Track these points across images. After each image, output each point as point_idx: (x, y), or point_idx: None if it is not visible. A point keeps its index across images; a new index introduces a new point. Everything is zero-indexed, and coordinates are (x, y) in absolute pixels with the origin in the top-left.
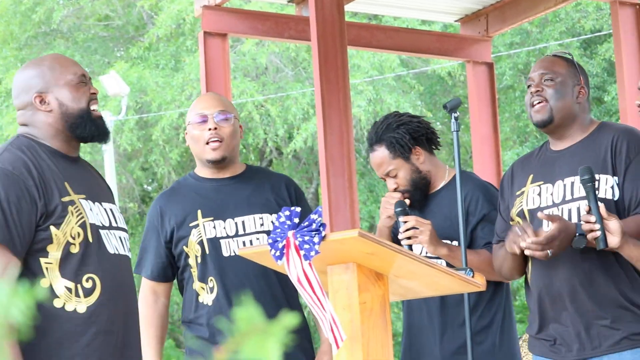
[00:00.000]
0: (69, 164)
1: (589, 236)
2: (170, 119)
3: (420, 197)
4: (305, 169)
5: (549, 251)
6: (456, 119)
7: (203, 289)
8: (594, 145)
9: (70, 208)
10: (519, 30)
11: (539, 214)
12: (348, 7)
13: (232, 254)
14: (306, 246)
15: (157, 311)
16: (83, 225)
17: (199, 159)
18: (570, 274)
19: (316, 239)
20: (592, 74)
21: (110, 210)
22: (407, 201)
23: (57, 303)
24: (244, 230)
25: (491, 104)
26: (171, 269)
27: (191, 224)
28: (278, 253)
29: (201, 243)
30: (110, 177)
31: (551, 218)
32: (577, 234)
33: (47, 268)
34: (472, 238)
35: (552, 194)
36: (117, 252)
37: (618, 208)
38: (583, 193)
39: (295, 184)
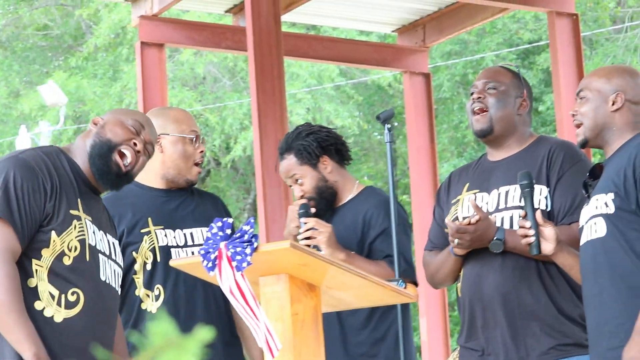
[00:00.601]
0: (88, 190)
1: (523, 241)
2: None
3: (325, 206)
4: (243, 179)
5: (455, 240)
6: (389, 129)
7: (148, 296)
8: (530, 157)
9: (75, 222)
10: (456, 41)
11: (470, 200)
12: (286, 18)
13: None
14: (238, 257)
15: None
16: (82, 242)
17: (174, 174)
18: (500, 282)
19: (248, 250)
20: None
21: (112, 243)
22: (313, 210)
23: (38, 305)
24: (193, 241)
25: (428, 114)
26: None
27: (142, 231)
28: (210, 264)
29: (153, 250)
30: None
31: (477, 209)
32: (495, 238)
33: (36, 270)
34: (370, 250)
35: (487, 203)
36: (108, 282)
37: (550, 218)
38: (517, 202)
39: (223, 203)
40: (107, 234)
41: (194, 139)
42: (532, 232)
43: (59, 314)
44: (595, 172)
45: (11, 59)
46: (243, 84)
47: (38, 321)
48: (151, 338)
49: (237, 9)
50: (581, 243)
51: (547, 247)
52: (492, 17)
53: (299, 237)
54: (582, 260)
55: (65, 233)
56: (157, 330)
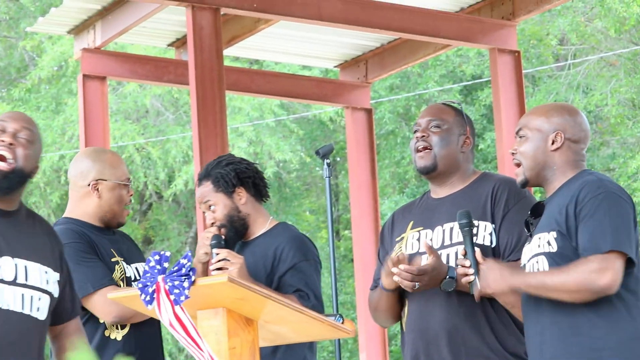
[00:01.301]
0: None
1: (463, 280)
2: (51, 161)
3: (234, 235)
4: (185, 212)
5: (417, 284)
6: (328, 164)
7: (113, 325)
8: (474, 194)
9: None
10: (399, 74)
11: (424, 242)
12: (228, 52)
13: None
14: (176, 291)
15: None
16: None
17: (109, 217)
18: (445, 318)
19: (186, 284)
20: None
21: (25, 267)
22: (223, 236)
23: None
24: (139, 274)
25: (369, 150)
26: None
27: (112, 260)
28: (148, 298)
29: (124, 280)
30: None
31: (431, 251)
32: (448, 277)
33: None
34: (279, 283)
35: (431, 240)
36: (8, 308)
37: (495, 255)
38: (461, 238)
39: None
40: (20, 259)
41: (128, 185)
42: (471, 270)
43: None
44: (537, 210)
45: None
46: (186, 117)
47: None
48: None
49: (179, 43)
50: None
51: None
52: (434, 53)
53: (211, 267)
54: (523, 298)
55: None
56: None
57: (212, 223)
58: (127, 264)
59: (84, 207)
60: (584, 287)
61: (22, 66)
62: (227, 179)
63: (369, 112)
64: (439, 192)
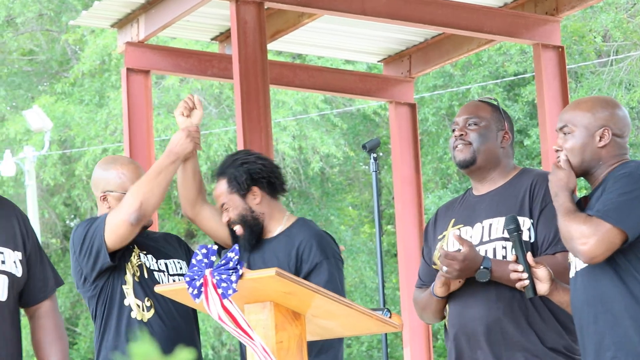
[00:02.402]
0: None
1: (518, 285)
2: (94, 154)
3: (249, 234)
4: None
5: (444, 267)
6: (375, 159)
7: (139, 306)
8: (513, 190)
9: None
10: (441, 74)
11: (453, 234)
12: (272, 46)
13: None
14: (223, 284)
15: None
16: None
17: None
18: (485, 313)
19: (233, 277)
20: (514, 117)
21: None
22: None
23: None
24: (167, 270)
25: (413, 145)
26: None
27: (130, 246)
28: (196, 291)
29: (140, 267)
30: (33, 212)
31: (462, 241)
32: (482, 267)
33: None
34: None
35: (471, 236)
36: None
37: (533, 250)
38: (501, 234)
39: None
40: None
41: None
42: (525, 275)
43: None
44: (581, 205)
45: None
46: (229, 111)
47: None
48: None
49: (223, 37)
50: (571, 275)
51: (542, 288)
52: (477, 49)
53: None
54: (572, 290)
55: None
56: (138, 351)
57: (227, 221)
58: (153, 255)
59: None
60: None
61: (64, 60)
62: (240, 180)
63: (412, 107)
64: (479, 188)
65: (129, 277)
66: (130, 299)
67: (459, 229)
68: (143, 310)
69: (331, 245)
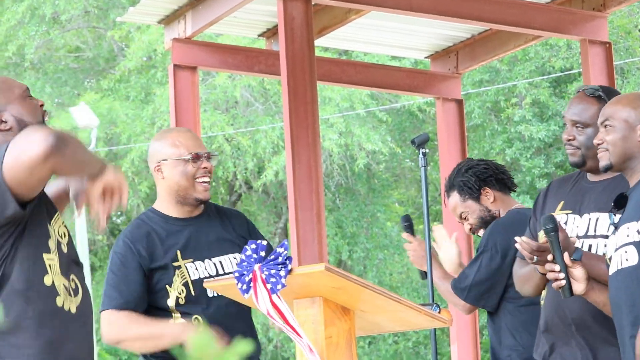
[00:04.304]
0: None
1: (554, 285)
2: (140, 151)
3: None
4: (274, 203)
5: (535, 257)
6: (424, 154)
7: (177, 311)
8: (625, 181)
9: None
10: (488, 70)
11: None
12: (318, 42)
13: (216, 294)
14: (272, 279)
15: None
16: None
17: (182, 195)
18: (580, 304)
19: (282, 272)
20: (561, 113)
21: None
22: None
23: (59, 301)
24: (223, 270)
25: (460, 140)
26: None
27: (174, 264)
28: (245, 286)
29: (186, 284)
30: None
31: (560, 229)
32: (572, 258)
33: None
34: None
35: (577, 226)
36: None
37: None
38: (605, 232)
39: (247, 218)
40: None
41: (193, 159)
42: (562, 275)
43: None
44: (620, 202)
45: (43, 80)
46: (275, 107)
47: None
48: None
49: (270, 33)
50: (610, 272)
51: (578, 288)
52: (524, 45)
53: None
54: (612, 290)
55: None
56: (198, 342)
57: (470, 229)
58: (200, 260)
59: (160, 193)
60: None
61: (110, 56)
62: (470, 184)
63: (459, 103)
64: (593, 175)
65: (170, 301)
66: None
67: (567, 214)
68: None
69: (493, 236)
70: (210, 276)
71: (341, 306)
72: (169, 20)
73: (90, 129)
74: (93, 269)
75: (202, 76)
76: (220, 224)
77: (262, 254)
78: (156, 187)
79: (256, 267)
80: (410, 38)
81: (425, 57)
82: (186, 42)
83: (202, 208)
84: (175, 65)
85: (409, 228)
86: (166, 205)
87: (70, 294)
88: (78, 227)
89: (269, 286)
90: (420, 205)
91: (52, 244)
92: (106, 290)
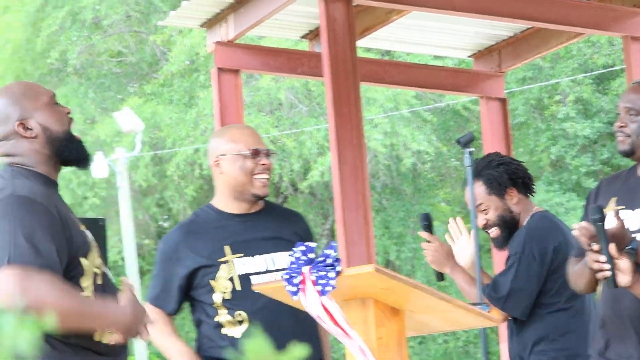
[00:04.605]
0: (55, 189)
1: (599, 276)
2: (185, 155)
3: (507, 235)
4: (321, 205)
5: (594, 245)
6: (470, 153)
7: (230, 322)
8: None
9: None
10: (531, 66)
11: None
12: (361, 43)
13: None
14: (322, 281)
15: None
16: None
17: (240, 190)
18: (636, 301)
19: (332, 274)
20: (605, 109)
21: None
22: (494, 233)
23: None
24: (274, 266)
25: (505, 139)
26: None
27: (219, 260)
28: (294, 289)
29: (231, 279)
30: (126, 214)
31: (617, 216)
32: (629, 247)
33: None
34: None
35: (631, 221)
36: None
37: None
38: None
39: (305, 219)
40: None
41: (252, 154)
42: (607, 266)
43: None
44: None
45: (86, 85)
46: (319, 109)
47: None
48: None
49: (312, 35)
50: None
51: (623, 280)
52: (567, 42)
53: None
54: None
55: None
56: (252, 347)
57: (485, 224)
58: (250, 255)
59: (218, 189)
60: None
61: (153, 61)
62: (500, 180)
63: (503, 101)
64: None
65: (216, 296)
66: (221, 318)
67: (619, 210)
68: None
69: (529, 242)
70: (259, 272)
71: (390, 307)
72: (211, 23)
73: (135, 134)
74: (141, 272)
75: (245, 79)
76: (277, 222)
77: (311, 255)
78: (214, 183)
79: (305, 269)
80: (453, 37)
81: (468, 57)
82: (229, 45)
83: (260, 205)
84: (218, 69)
85: (428, 227)
86: (224, 201)
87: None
88: (125, 232)
89: (318, 288)
90: (466, 205)
91: (87, 280)
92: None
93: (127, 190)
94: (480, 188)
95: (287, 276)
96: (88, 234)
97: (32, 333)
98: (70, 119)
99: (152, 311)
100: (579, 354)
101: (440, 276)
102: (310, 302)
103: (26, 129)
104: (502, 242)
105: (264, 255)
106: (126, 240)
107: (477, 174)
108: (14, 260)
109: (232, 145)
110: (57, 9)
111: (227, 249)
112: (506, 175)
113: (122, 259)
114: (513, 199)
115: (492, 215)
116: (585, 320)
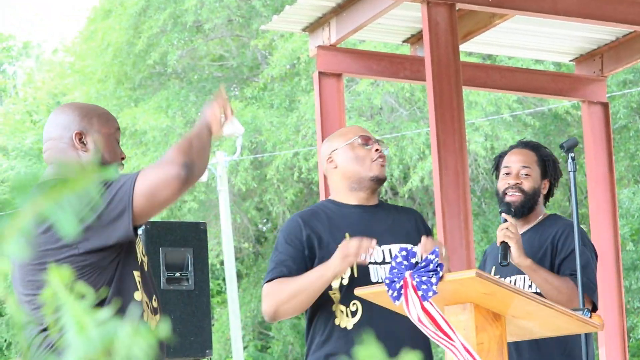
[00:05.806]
0: None
1: None
2: (285, 159)
3: (522, 207)
4: (420, 209)
5: None
6: (573, 158)
7: (343, 312)
8: None
9: None
10: (632, 69)
11: None
12: (463, 47)
13: (380, 280)
14: (424, 286)
15: None
16: None
17: (357, 179)
18: None
19: (434, 280)
20: None
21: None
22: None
23: (144, 316)
24: (391, 257)
25: (606, 144)
26: None
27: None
28: (395, 293)
29: (350, 267)
30: (225, 217)
31: None
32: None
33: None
34: (558, 270)
35: None
36: None
37: None
38: None
39: (421, 215)
40: None
41: (364, 143)
42: None
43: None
44: None
45: (187, 89)
46: (420, 113)
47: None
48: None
49: (414, 39)
50: None
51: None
52: None
53: (498, 231)
54: None
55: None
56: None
57: (516, 184)
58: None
59: (334, 184)
60: None
61: (254, 65)
62: (554, 166)
63: (605, 106)
64: None
65: (334, 283)
66: (335, 306)
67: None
68: (347, 315)
69: (584, 238)
70: (376, 262)
71: (492, 312)
72: (313, 27)
73: (235, 137)
74: (239, 276)
75: (344, 83)
76: (394, 215)
77: (413, 260)
78: (329, 183)
79: (407, 273)
80: (555, 42)
81: (570, 61)
82: (331, 49)
83: (377, 197)
84: (320, 73)
85: (508, 212)
86: (342, 194)
87: (151, 312)
88: (224, 235)
89: (420, 293)
90: (565, 209)
91: (138, 261)
92: (267, 268)
93: (226, 193)
94: (534, 157)
95: (389, 280)
96: None
97: (148, 341)
98: (122, 164)
99: (278, 282)
100: None
101: (505, 258)
102: (411, 307)
103: (81, 141)
104: (515, 209)
105: (382, 246)
106: (225, 244)
107: (537, 147)
108: None
109: (342, 138)
110: (160, 11)
111: (347, 236)
112: (556, 169)
113: (221, 262)
114: (545, 189)
115: (528, 184)
116: None
